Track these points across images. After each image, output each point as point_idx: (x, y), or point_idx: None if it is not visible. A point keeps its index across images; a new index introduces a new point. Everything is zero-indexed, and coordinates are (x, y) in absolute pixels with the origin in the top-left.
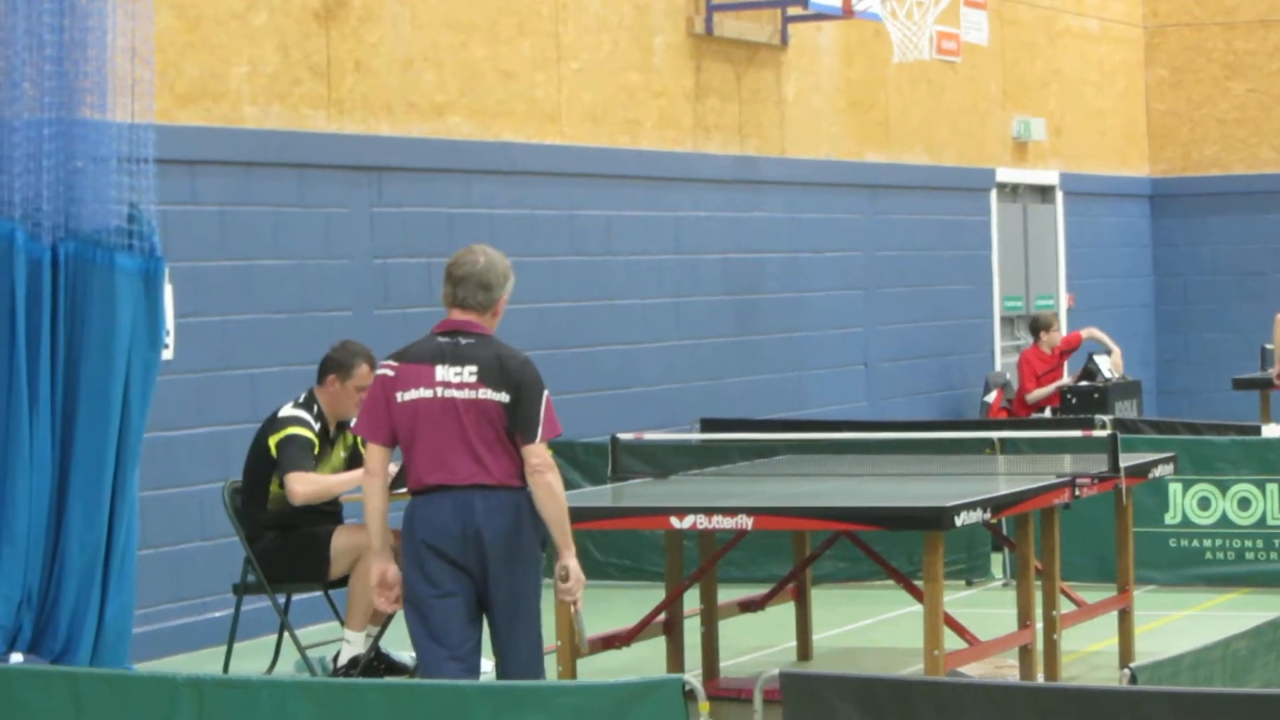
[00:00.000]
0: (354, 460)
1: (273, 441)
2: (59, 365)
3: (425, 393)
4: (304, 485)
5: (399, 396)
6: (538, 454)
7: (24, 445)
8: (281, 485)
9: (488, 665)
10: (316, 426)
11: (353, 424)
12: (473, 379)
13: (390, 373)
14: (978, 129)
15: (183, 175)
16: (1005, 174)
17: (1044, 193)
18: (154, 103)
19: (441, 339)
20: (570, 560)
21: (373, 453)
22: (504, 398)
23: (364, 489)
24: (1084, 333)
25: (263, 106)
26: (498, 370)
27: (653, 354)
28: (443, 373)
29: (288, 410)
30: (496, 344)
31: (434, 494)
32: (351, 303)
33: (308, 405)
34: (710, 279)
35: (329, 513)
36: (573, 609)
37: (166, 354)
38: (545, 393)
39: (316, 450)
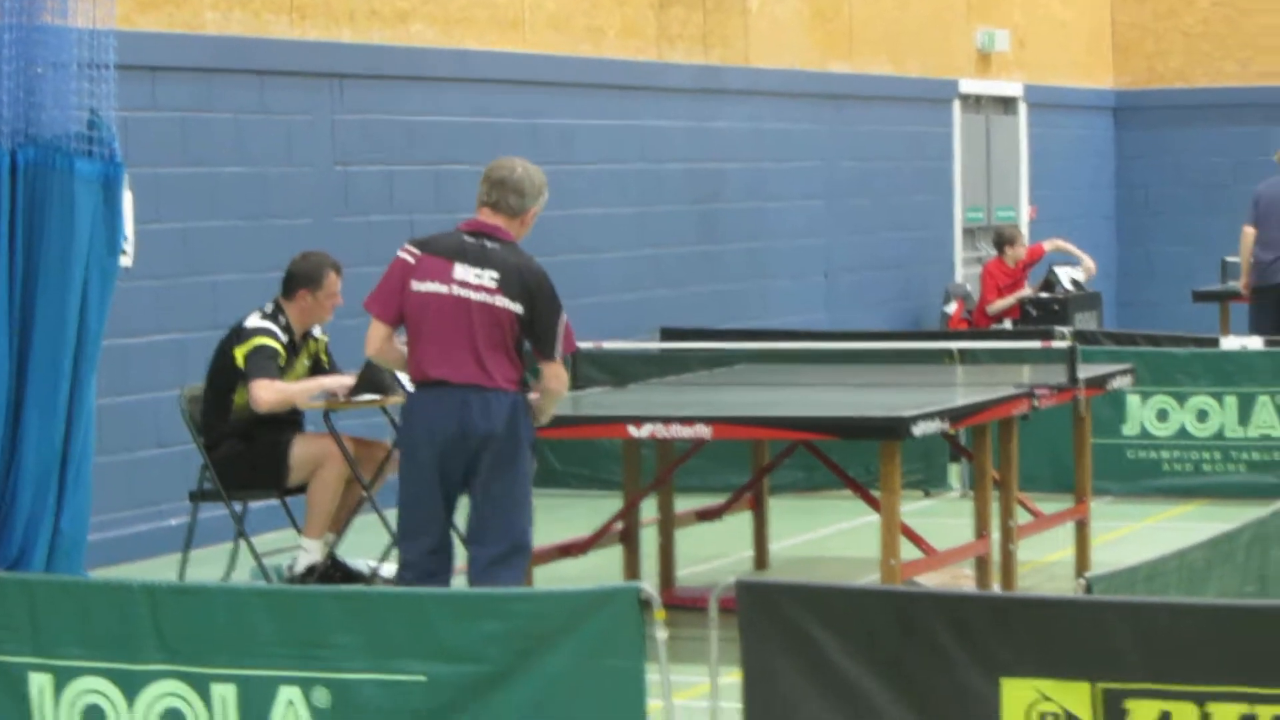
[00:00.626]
0: (315, 368)
1: (239, 352)
2: (16, 271)
3: (440, 288)
4: (269, 393)
5: (414, 284)
6: (559, 376)
7: None
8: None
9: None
10: (284, 338)
11: (316, 331)
12: (492, 284)
13: (410, 259)
14: (941, 40)
15: (143, 81)
16: (968, 85)
17: (1007, 104)
18: (115, 8)
19: (468, 238)
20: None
21: (375, 328)
22: (519, 308)
23: (372, 356)
24: (1048, 245)
25: (224, 12)
26: (518, 280)
27: (614, 263)
28: (461, 271)
29: (254, 320)
30: (520, 253)
31: (433, 389)
32: (312, 210)
33: (274, 317)
34: (673, 189)
35: (289, 421)
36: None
37: (125, 261)
38: (562, 310)
39: (283, 361)
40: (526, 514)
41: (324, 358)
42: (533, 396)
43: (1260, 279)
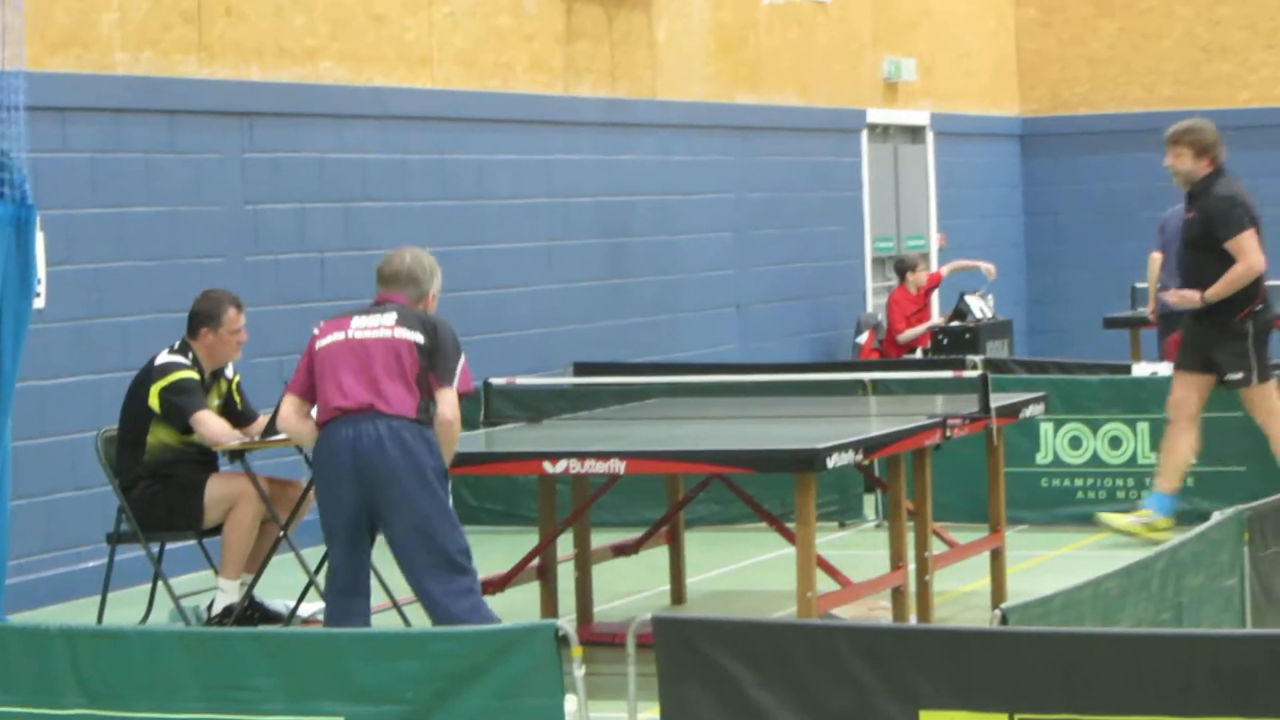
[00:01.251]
0: (227, 406)
1: (154, 389)
2: None
3: (339, 335)
4: (224, 437)
5: (317, 345)
6: (451, 404)
7: None
8: (184, 429)
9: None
10: (196, 370)
11: (228, 371)
12: (390, 323)
13: (315, 330)
14: (848, 70)
15: (53, 122)
16: (876, 115)
17: (914, 133)
18: (24, 49)
19: (368, 305)
20: None
21: (286, 401)
22: (418, 338)
23: (287, 432)
24: (944, 269)
25: (133, 53)
26: (417, 318)
27: (525, 298)
28: (359, 321)
29: (165, 357)
30: (418, 309)
31: (331, 422)
32: (223, 249)
33: (183, 352)
34: (582, 222)
35: (203, 461)
36: None
37: (38, 302)
38: (463, 352)
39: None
40: (453, 534)
41: (236, 397)
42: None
43: (1166, 304)
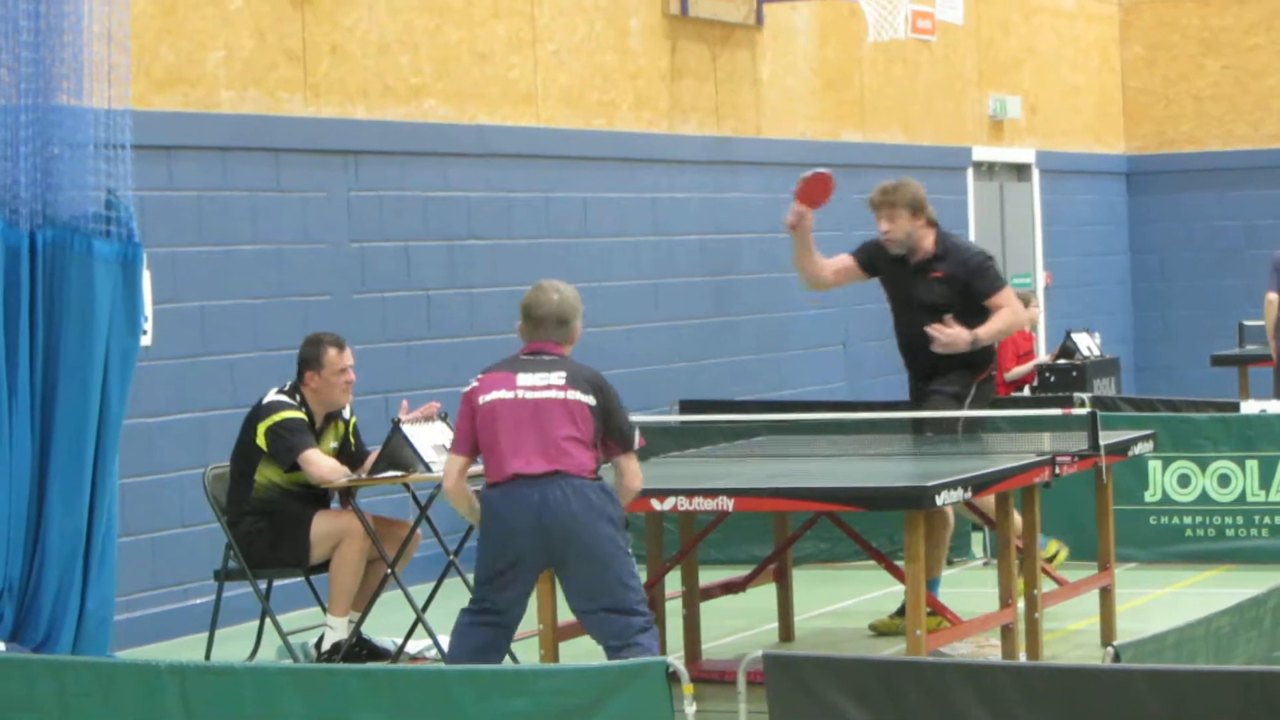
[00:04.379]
0: (343, 450)
1: (261, 428)
2: (38, 353)
3: (507, 394)
4: (332, 474)
5: (480, 400)
6: (637, 474)
7: (3, 434)
8: (289, 467)
9: None
10: (304, 411)
11: (344, 413)
12: (560, 381)
13: (474, 384)
14: (953, 107)
15: (159, 161)
16: (981, 152)
17: (1020, 171)
18: (130, 88)
19: (524, 356)
20: None
21: (451, 461)
22: (591, 400)
23: (451, 497)
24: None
25: (239, 91)
26: (584, 377)
27: (630, 336)
28: (525, 379)
29: (273, 396)
30: (578, 362)
31: (510, 482)
32: (329, 287)
33: (291, 394)
34: (687, 260)
35: (312, 498)
36: None
37: (145, 340)
38: (625, 410)
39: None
40: (633, 580)
41: (352, 440)
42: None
43: None
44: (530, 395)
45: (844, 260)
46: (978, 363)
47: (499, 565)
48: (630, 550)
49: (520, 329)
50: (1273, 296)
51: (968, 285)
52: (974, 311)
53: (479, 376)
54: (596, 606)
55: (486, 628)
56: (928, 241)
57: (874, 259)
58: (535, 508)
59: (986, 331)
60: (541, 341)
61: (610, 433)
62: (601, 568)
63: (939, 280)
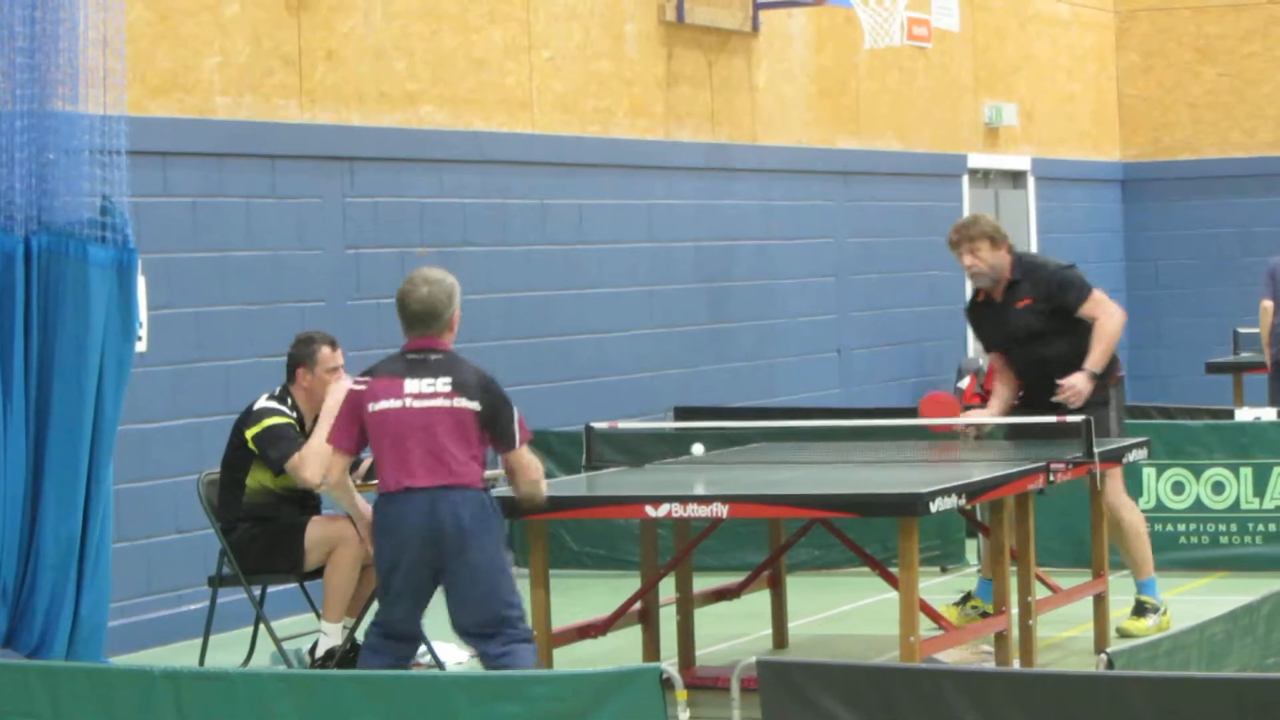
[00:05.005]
0: None
1: (250, 434)
2: (32, 358)
3: (395, 403)
4: (302, 460)
5: (370, 407)
6: (530, 465)
7: None
8: (279, 473)
9: (462, 656)
10: (293, 416)
11: None
12: (446, 389)
13: (362, 387)
14: (949, 115)
15: (155, 167)
16: (977, 159)
17: (1015, 178)
18: (125, 94)
19: (411, 356)
20: None
21: (334, 459)
22: (476, 406)
23: (332, 493)
24: None
25: (234, 97)
26: (471, 384)
27: (625, 342)
28: (412, 385)
29: (262, 403)
30: (462, 359)
31: (402, 494)
32: (324, 293)
33: (281, 399)
34: (682, 267)
35: (304, 503)
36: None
37: (140, 346)
38: (514, 405)
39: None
40: (511, 596)
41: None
42: (497, 491)
43: None
44: (418, 404)
45: (996, 361)
46: (1105, 372)
47: (389, 577)
48: (510, 567)
49: (401, 323)
50: (1268, 304)
51: (1051, 302)
52: (1070, 324)
53: (367, 379)
54: (477, 620)
55: (386, 651)
56: (1007, 270)
57: (977, 320)
58: (424, 518)
59: (1097, 360)
60: (421, 338)
61: (495, 435)
62: (485, 582)
63: (1027, 308)
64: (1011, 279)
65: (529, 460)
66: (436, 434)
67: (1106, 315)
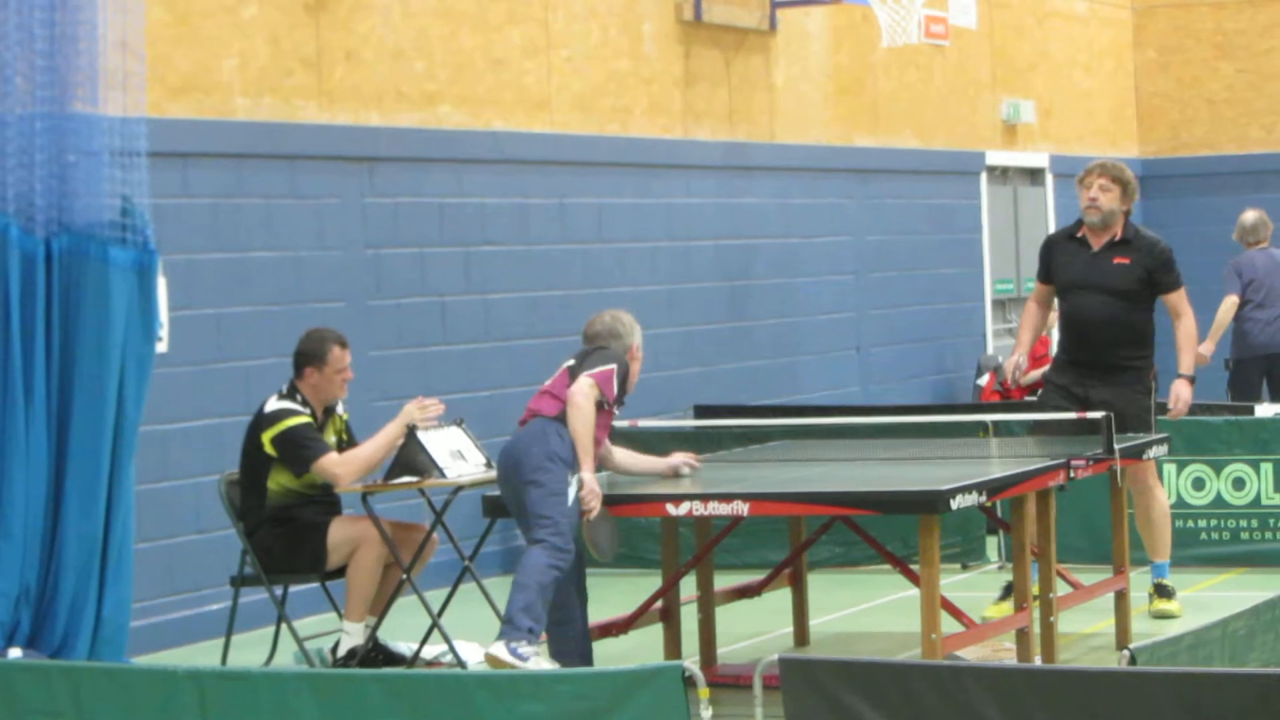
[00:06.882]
0: (339, 444)
1: (267, 438)
2: (54, 360)
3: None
4: (345, 467)
5: None
6: (576, 384)
7: (19, 440)
8: (301, 474)
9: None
10: (308, 412)
11: (339, 408)
12: (570, 364)
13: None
14: (967, 112)
15: (175, 168)
16: (995, 157)
17: (1034, 175)
18: (145, 96)
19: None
20: (584, 473)
21: None
22: (570, 363)
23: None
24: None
25: (254, 99)
26: (587, 352)
27: (645, 341)
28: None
29: (274, 404)
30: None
31: None
32: (344, 293)
33: (291, 396)
34: (702, 266)
35: (326, 503)
36: (586, 518)
37: (160, 347)
38: (613, 364)
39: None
40: (546, 502)
41: (344, 436)
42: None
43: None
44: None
45: (1038, 291)
46: (1146, 357)
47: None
48: (549, 483)
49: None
50: (1234, 299)
51: (1151, 275)
52: (1147, 306)
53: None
54: (530, 526)
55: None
56: (1118, 227)
57: (1050, 253)
58: (506, 448)
59: (1190, 364)
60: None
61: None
62: (533, 493)
63: (1125, 266)
64: (1122, 237)
65: (580, 383)
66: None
67: (1188, 314)
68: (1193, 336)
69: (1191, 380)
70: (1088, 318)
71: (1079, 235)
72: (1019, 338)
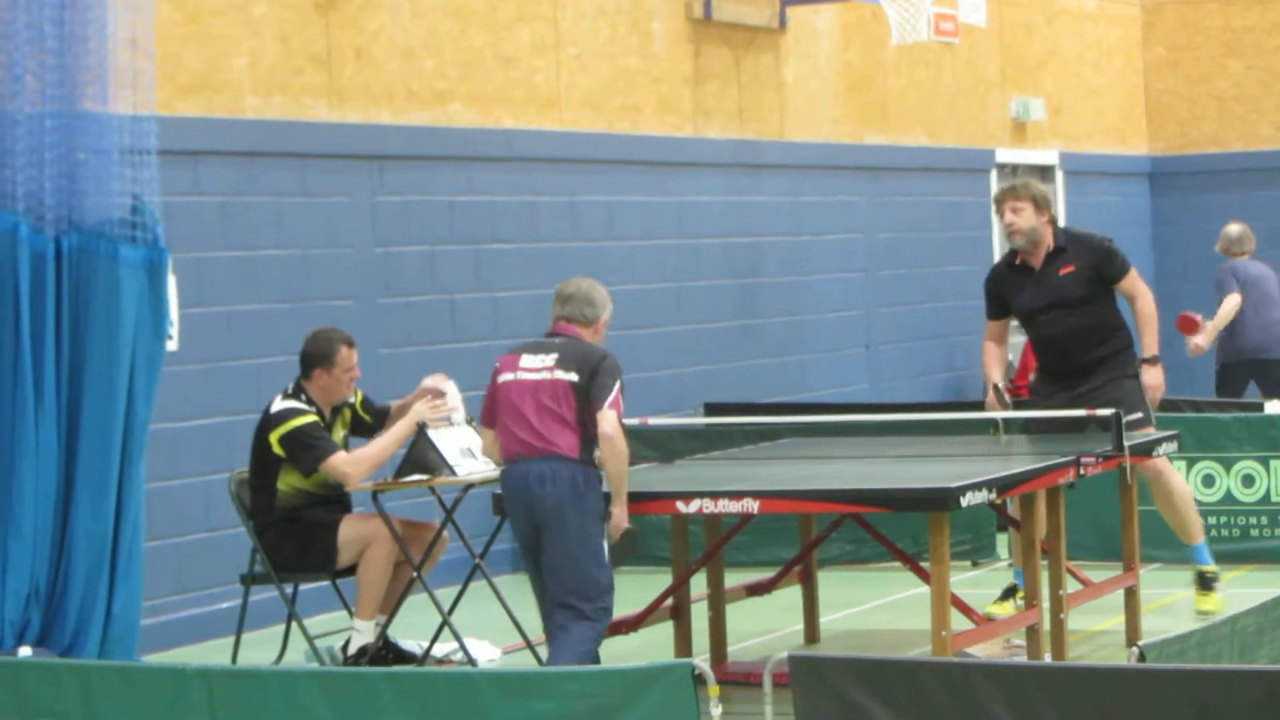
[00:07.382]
0: (357, 428)
1: (275, 437)
2: (64, 358)
3: (510, 376)
4: (355, 465)
5: (498, 381)
6: (607, 420)
7: (29, 439)
8: (310, 474)
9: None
10: (314, 411)
11: (350, 398)
12: (551, 363)
13: (497, 364)
14: (976, 110)
15: (185, 166)
16: (1004, 154)
17: (1043, 172)
18: (155, 94)
19: (538, 339)
20: (615, 509)
21: (483, 435)
22: (574, 377)
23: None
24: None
25: (264, 97)
26: (576, 357)
27: (655, 339)
28: (527, 361)
29: (279, 404)
30: (584, 343)
31: (510, 462)
32: (354, 292)
33: (295, 396)
34: (711, 263)
35: (337, 502)
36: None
37: (171, 345)
38: (618, 378)
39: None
40: (589, 571)
41: (364, 414)
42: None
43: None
44: (529, 377)
45: (992, 329)
46: (1125, 344)
47: (518, 541)
48: (598, 550)
49: (553, 314)
50: (1236, 298)
51: (1098, 271)
52: (1107, 299)
53: (500, 358)
54: (562, 590)
55: (543, 605)
56: (1048, 238)
57: (997, 287)
58: (524, 487)
59: (1153, 345)
60: (562, 318)
61: (589, 395)
62: (571, 556)
63: (1071, 274)
64: (1056, 246)
65: (608, 415)
66: (540, 404)
67: (1144, 295)
68: (1152, 316)
69: (1157, 360)
70: (1058, 335)
71: (1017, 262)
72: (987, 374)
